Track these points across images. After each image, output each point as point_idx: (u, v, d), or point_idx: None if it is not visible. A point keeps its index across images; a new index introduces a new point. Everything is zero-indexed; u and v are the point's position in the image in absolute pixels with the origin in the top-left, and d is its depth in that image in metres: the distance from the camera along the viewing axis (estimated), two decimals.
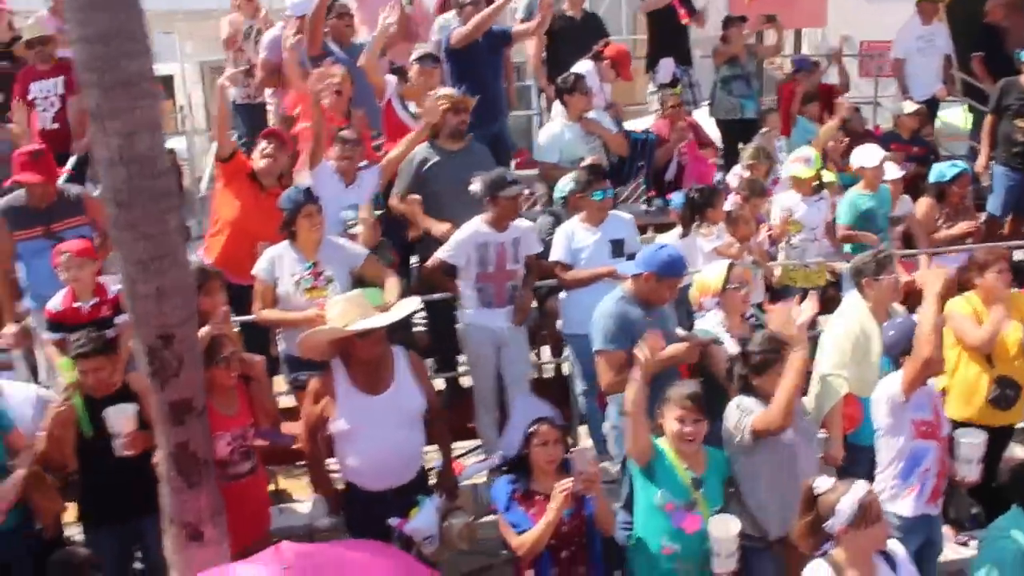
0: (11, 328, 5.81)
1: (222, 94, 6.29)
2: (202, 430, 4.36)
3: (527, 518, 4.46)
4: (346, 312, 4.75)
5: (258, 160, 6.22)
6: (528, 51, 8.06)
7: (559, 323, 6.35)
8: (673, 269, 5.08)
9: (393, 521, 4.75)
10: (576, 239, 6.04)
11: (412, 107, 7.09)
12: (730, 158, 8.62)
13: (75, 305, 5.21)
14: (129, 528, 5.00)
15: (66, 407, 4.87)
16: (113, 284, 5.29)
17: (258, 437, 4.99)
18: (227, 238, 6.17)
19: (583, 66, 7.72)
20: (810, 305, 5.03)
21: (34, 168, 5.93)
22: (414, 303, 5.07)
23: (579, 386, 6.15)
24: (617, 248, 6.04)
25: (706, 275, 5.40)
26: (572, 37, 8.02)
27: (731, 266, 5.36)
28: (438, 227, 6.17)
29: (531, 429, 4.53)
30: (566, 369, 6.76)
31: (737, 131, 8.81)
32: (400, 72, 7.14)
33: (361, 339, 4.71)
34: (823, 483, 3.90)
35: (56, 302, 5.23)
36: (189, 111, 11.82)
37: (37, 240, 5.90)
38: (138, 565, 5.24)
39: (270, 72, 7.77)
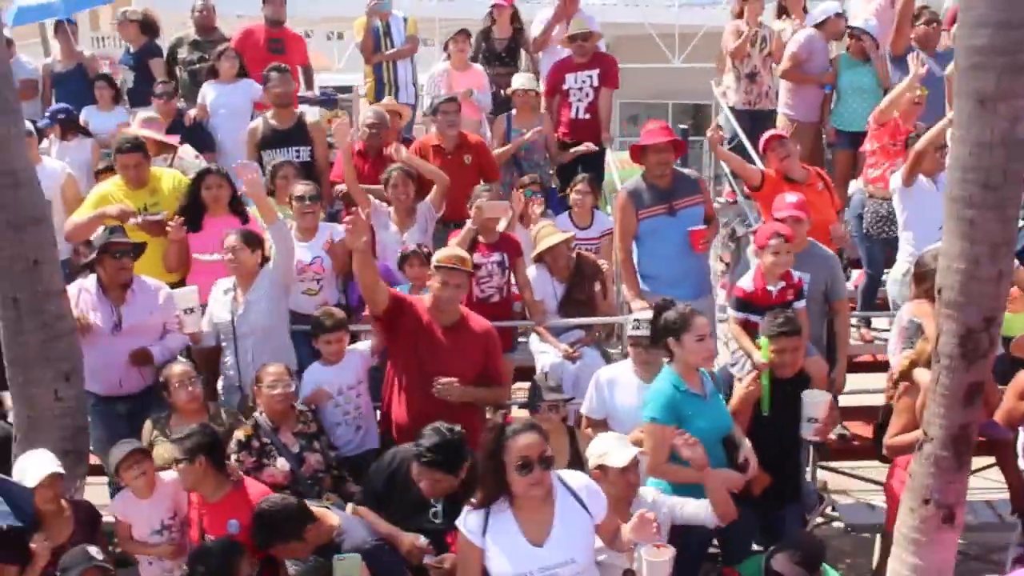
0: (640, 303, 5.99)
1: (715, 145, 6.65)
2: (978, 415, 4.44)
3: None
4: None
5: (780, 160, 6.54)
6: None
7: None
8: None
9: None
10: None
11: None
12: None
13: (767, 288, 5.36)
14: (761, 512, 5.06)
15: (756, 385, 5.02)
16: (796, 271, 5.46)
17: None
18: None
19: None
20: None
21: (664, 131, 6.00)
22: None
23: None
24: None
25: None
26: None
27: None
28: None
29: None
30: None
31: None
32: None
33: None
34: None
35: (747, 282, 5.38)
36: None
37: (658, 218, 6.05)
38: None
39: (797, 67, 8.23)
